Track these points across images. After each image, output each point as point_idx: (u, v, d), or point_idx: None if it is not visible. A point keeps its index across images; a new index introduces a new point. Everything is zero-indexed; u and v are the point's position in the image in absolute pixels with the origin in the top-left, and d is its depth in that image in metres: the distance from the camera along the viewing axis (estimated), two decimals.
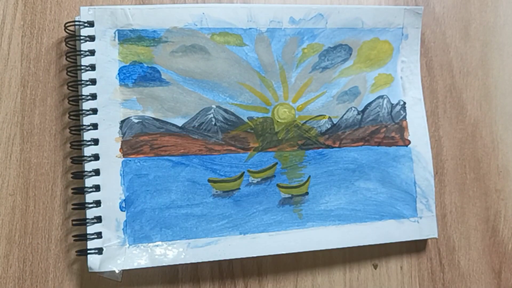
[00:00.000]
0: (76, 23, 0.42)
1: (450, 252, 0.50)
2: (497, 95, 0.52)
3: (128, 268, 0.42)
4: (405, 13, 0.49)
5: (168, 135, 0.43)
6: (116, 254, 0.42)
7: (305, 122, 0.46)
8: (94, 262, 0.41)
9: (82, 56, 0.42)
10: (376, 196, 0.47)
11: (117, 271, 0.42)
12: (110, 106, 0.42)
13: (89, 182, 0.42)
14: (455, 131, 0.51)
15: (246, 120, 0.45)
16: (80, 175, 0.42)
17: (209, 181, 0.44)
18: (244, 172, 0.45)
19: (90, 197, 0.42)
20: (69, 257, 0.43)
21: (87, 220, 0.41)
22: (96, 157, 0.42)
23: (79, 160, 0.42)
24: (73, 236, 0.42)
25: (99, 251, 0.41)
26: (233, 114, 0.45)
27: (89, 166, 0.42)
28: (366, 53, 0.48)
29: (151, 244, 0.43)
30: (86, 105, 0.42)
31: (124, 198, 0.42)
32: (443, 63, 0.52)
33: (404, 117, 0.49)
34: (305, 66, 0.46)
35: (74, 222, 0.42)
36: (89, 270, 0.41)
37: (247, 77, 0.45)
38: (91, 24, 0.42)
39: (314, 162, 0.46)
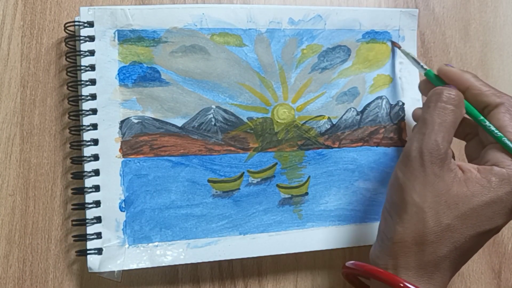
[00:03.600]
0: (76, 23, 0.42)
1: None
2: None
3: (127, 268, 0.42)
4: (401, 16, 0.49)
5: (168, 135, 0.43)
6: (115, 254, 0.42)
7: (304, 123, 0.46)
8: (93, 262, 0.41)
9: (81, 56, 0.42)
10: (375, 196, 0.47)
11: (116, 271, 0.42)
12: (110, 106, 0.42)
13: (88, 182, 0.42)
14: None
15: (245, 120, 0.45)
16: (80, 176, 0.42)
17: (209, 181, 0.44)
18: (244, 172, 0.45)
19: (89, 198, 0.42)
20: (69, 257, 0.43)
21: (87, 221, 0.41)
22: (96, 157, 0.42)
23: (79, 160, 0.42)
24: (73, 236, 0.42)
25: (99, 251, 0.41)
26: (232, 114, 0.45)
27: (88, 167, 0.42)
28: (365, 54, 0.48)
29: (150, 245, 0.43)
30: (86, 106, 0.42)
31: (123, 198, 0.42)
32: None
33: (403, 118, 0.49)
34: (305, 66, 0.46)
35: (74, 223, 0.42)
36: (89, 271, 0.41)
37: (247, 78, 0.45)
38: (90, 24, 0.42)
39: (313, 162, 0.46)
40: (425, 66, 0.44)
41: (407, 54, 0.47)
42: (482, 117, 0.39)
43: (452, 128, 0.38)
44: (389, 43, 0.48)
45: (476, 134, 0.42)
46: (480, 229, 0.36)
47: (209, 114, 0.44)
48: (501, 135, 0.38)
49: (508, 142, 0.37)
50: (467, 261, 0.39)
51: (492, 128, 0.38)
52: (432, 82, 0.43)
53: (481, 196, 0.36)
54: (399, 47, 0.48)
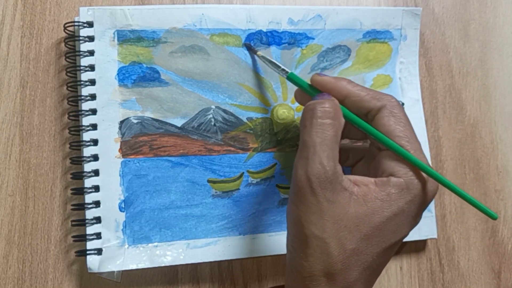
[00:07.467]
0: (75, 23, 0.42)
1: (450, 252, 0.50)
2: (497, 95, 0.52)
3: (127, 268, 0.42)
4: (403, 14, 0.49)
5: (168, 136, 0.43)
6: (115, 254, 0.42)
7: None
8: (93, 262, 0.41)
9: (81, 56, 0.42)
10: None
11: (116, 272, 0.42)
12: (110, 107, 0.42)
13: (88, 182, 0.42)
14: (454, 132, 0.51)
15: (245, 120, 0.45)
16: (79, 176, 0.42)
17: (208, 181, 0.44)
18: (243, 173, 0.45)
19: (89, 198, 0.42)
20: (69, 258, 0.43)
21: (87, 221, 0.41)
22: (95, 157, 0.42)
23: (78, 160, 0.42)
24: (73, 236, 0.42)
25: (99, 251, 0.41)
26: (232, 114, 0.45)
27: (88, 167, 0.42)
28: (365, 54, 0.48)
29: (150, 245, 0.43)
30: (86, 106, 0.42)
31: (123, 198, 0.42)
32: (443, 64, 0.52)
33: None
34: (304, 67, 0.46)
35: (73, 223, 0.42)
36: (89, 271, 0.41)
37: (246, 78, 0.45)
38: (90, 24, 0.42)
39: None
40: (286, 69, 0.41)
41: (263, 58, 0.44)
42: (368, 126, 0.37)
43: (335, 143, 0.35)
44: (390, 43, 0.48)
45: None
46: (385, 245, 0.35)
47: (209, 114, 0.44)
48: (391, 141, 0.35)
49: (399, 148, 0.35)
50: (380, 274, 0.37)
51: (381, 135, 0.36)
52: (306, 92, 0.40)
53: (382, 212, 0.34)
54: (256, 52, 0.44)
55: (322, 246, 0.34)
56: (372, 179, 0.35)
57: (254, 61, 0.45)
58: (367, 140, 0.41)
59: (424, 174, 0.35)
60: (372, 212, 0.34)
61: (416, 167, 0.35)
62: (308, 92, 0.39)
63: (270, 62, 0.43)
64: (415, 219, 0.36)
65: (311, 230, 0.34)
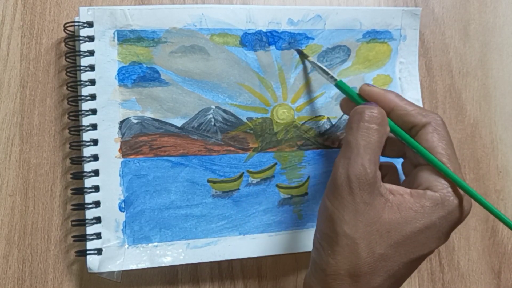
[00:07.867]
0: (75, 23, 0.42)
1: (450, 252, 0.50)
2: (497, 95, 0.52)
3: (127, 268, 0.42)
4: (403, 14, 0.49)
5: (168, 136, 0.43)
6: (115, 254, 0.42)
7: (304, 123, 0.46)
8: (93, 262, 0.41)
9: (81, 56, 0.42)
10: None
11: (116, 272, 0.42)
12: (110, 107, 0.42)
13: (88, 182, 0.42)
14: (454, 132, 0.51)
15: (245, 120, 0.45)
16: (79, 176, 0.42)
17: (208, 181, 0.44)
18: (243, 173, 0.45)
19: (89, 198, 0.42)
20: (69, 258, 0.43)
21: (87, 221, 0.41)
22: (95, 157, 0.42)
23: (78, 160, 0.42)
24: (73, 236, 0.42)
25: (99, 251, 0.41)
26: (232, 114, 0.45)
27: (88, 167, 0.42)
28: (365, 54, 0.48)
29: (150, 245, 0.43)
30: (86, 106, 0.42)
31: (123, 198, 0.42)
32: (443, 64, 0.52)
33: None
34: (304, 67, 0.46)
35: (73, 223, 0.42)
36: (89, 271, 0.41)
37: (246, 78, 0.45)
38: (90, 24, 0.42)
39: (313, 162, 0.46)
40: (335, 77, 0.41)
41: (314, 63, 0.44)
42: (411, 139, 0.37)
43: (378, 148, 0.36)
44: (389, 43, 0.48)
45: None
46: (413, 256, 0.35)
47: (209, 114, 0.44)
48: (432, 157, 0.36)
49: (441, 164, 0.35)
50: (401, 286, 0.37)
51: (423, 149, 0.36)
52: (353, 100, 0.40)
53: (414, 223, 0.34)
54: (307, 57, 0.45)
55: (352, 246, 0.34)
56: (408, 190, 0.36)
57: (305, 66, 0.46)
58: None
59: (460, 193, 0.35)
60: (405, 221, 0.34)
61: (454, 185, 0.35)
62: (356, 101, 0.40)
63: (320, 68, 0.43)
64: (445, 236, 0.36)
65: (343, 228, 0.34)
